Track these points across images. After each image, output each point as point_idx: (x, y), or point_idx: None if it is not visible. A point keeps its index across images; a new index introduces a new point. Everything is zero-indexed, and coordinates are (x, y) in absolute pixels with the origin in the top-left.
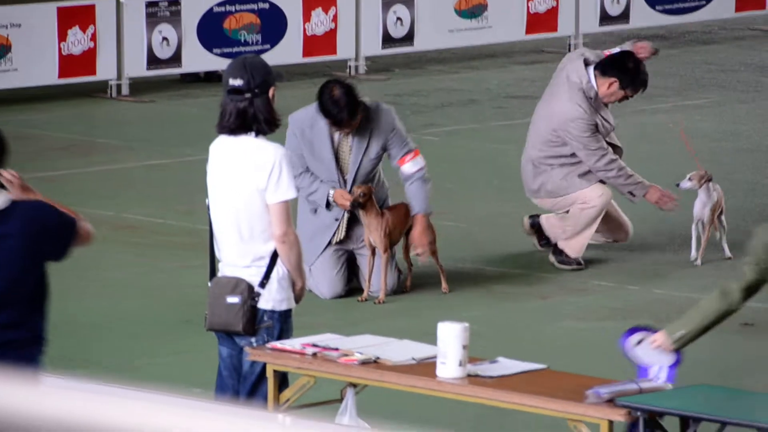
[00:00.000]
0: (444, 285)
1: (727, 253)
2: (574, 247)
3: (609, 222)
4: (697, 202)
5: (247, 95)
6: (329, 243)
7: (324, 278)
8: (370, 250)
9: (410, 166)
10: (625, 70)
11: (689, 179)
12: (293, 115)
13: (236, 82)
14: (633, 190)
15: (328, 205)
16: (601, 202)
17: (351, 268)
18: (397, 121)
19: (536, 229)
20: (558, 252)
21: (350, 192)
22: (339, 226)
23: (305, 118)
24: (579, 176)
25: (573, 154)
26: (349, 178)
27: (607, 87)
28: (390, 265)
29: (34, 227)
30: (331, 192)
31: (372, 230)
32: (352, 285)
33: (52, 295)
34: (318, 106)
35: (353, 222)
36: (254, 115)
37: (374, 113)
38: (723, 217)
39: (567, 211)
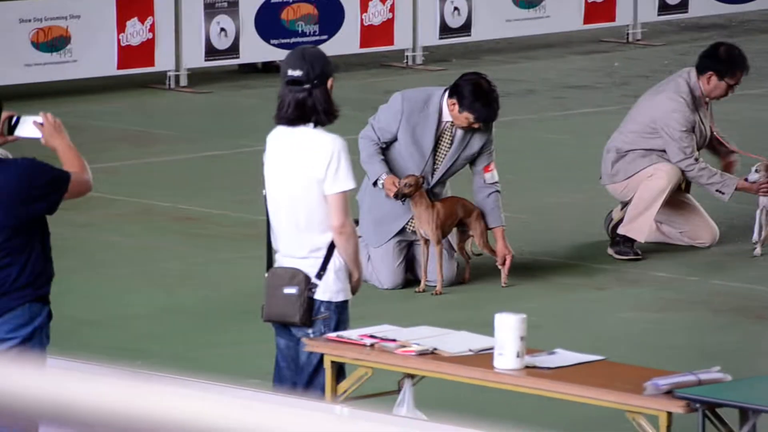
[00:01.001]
0: (504, 278)
1: None
2: (637, 230)
3: (693, 222)
4: (762, 198)
5: (306, 86)
6: (404, 228)
7: (385, 268)
8: (423, 241)
9: (493, 175)
10: (718, 59)
11: (756, 171)
12: (407, 93)
13: (295, 73)
14: (720, 188)
15: (374, 185)
16: (670, 176)
17: (409, 259)
18: (494, 131)
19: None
20: (616, 243)
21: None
22: (413, 215)
23: (418, 100)
24: (656, 152)
25: (663, 150)
26: (439, 171)
27: (707, 82)
28: (446, 257)
29: (21, 184)
30: (384, 175)
31: (422, 222)
32: (410, 276)
33: (109, 284)
34: (466, 99)
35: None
36: (313, 106)
37: None
38: None
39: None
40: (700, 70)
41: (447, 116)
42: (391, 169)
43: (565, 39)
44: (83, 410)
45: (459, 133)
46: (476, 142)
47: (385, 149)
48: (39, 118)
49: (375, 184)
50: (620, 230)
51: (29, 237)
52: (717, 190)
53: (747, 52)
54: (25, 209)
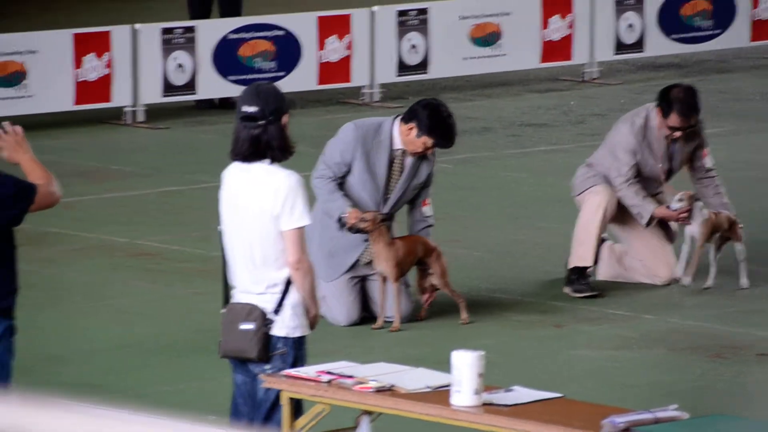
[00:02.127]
0: (464, 315)
1: (744, 282)
2: (581, 256)
3: (655, 254)
4: (687, 226)
5: (261, 122)
6: (357, 261)
7: (339, 305)
8: (381, 278)
9: (429, 209)
10: (665, 97)
11: (679, 200)
12: (357, 122)
13: (250, 109)
14: (640, 211)
15: (339, 221)
16: (601, 198)
17: (363, 295)
18: (435, 162)
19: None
20: (571, 282)
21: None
22: (367, 246)
23: (371, 126)
24: (601, 178)
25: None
26: (391, 200)
27: (656, 116)
28: (403, 293)
29: None
30: (347, 209)
31: (381, 259)
32: (364, 313)
33: (66, 320)
34: (424, 123)
35: (366, 252)
36: (268, 143)
37: None
38: (739, 246)
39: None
40: (657, 103)
41: (398, 144)
42: None
43: (522, 77)
44: None
45: (408, 161)
46: (423, 171)
47: (340, 184)
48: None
49: (340, 220)
50: (569, 264)
51: None
52: (637, 213)
53: (702, 92)
54: None
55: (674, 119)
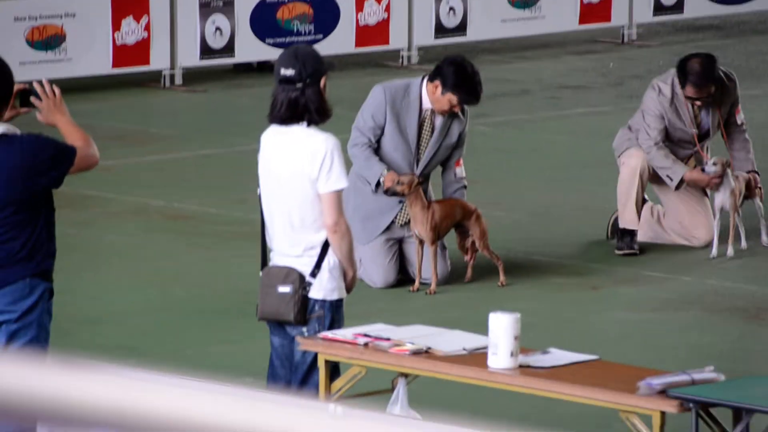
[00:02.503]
0: (502, 278)
1: (765, 240)
2: (627, 219)
3: (694, 216)
4: (717, 193)
5: (299, 85)
6: (392, 222)
7: (376, 267)
8: (417, 241)
9: (462, 170)
10: (681, 68)
11: (714, 164)
12: (386, 84)
13: (288, 72)
14: (669, 174)
15: (377, 185)
16: (635, 163)
17: (401, 257)
18: (468, 122)
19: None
20: (620, 237)
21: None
22: (402, 208)
23: (399, 88)
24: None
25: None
26: (423, 161)
27: (681, 88)
28: (440, 256)
29: (24, 159)
30: (384, 172)
31: (417, 222)
32: (401, 276)
33: (103, 283)
34: (450, 80)
35: (402, 213)
36: (305, 105)
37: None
38: (758, 200)
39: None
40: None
41: (427, 103)
42: None
43: (561, 39)
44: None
45: (439, 121)
46: (455, 130)
47: (376, 150)
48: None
49: (378, 184)
50: (619, 224)
51: (33, 212)
52: (667, 175)
53: (742, 54)
54: (29, 184)
55: (689, 90)
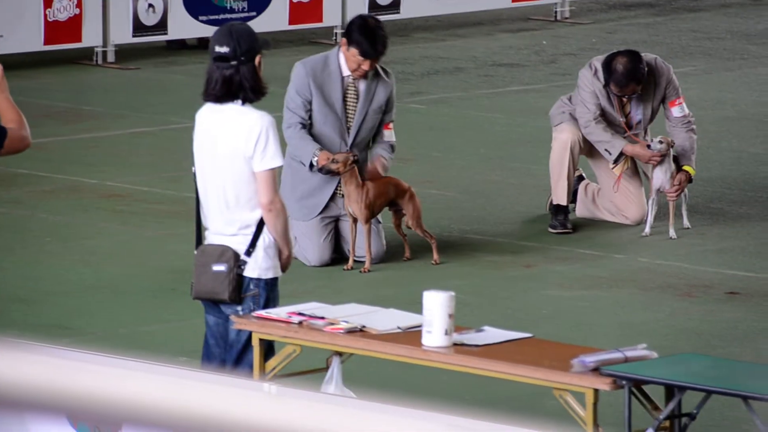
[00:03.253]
0: (435, 256)
1: (686, 222)
2: (558, 195)
3: (626, 195)
4: (657, 171)
5: (233, 63)
6: (331, 199)
7: (311, 245)
8: (351, 219)
9: (391, 134)
10: (607, 67)
11: (660, 141)
12: (306, 59)
13: (222, 50)
14: (608, 147)
15: (311, 166)
16: (564, 139)
17: (336, 236)
18: (395, 86)
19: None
20: (553, 215)
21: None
22: (340, 181)
23: (318, 61)
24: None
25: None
26: (353, 126)
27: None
28: (374, 234)
29: None
30: (317, 152)
31: (352, 201)
32: (336, 254)
33: (35, 262)
34: (354, 34)
35: (340, 188)
36: (240, 83)
37: (380, 70)
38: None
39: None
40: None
41: (346, 71)
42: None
43: (494, 17)
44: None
45: (362, 86)
46: (381, 94)
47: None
48: None
49: (311, 165)
50: (552, 200)
51: None
52: (605, 149)
53: (674, 31)
54: None
55: (613, 88)
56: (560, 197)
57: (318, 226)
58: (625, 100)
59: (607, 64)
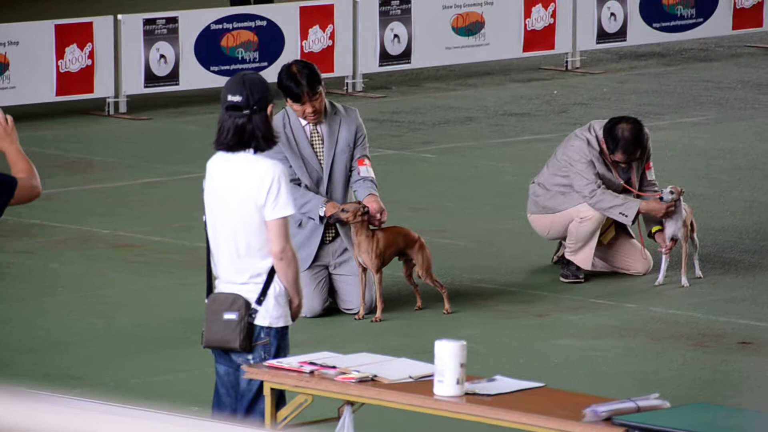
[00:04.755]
0: (446, 305)
1: (698, 272)
2: (581, 260)
3: (626, 255)
4: (669, 220)
5: (246, 112)
6: (322, 242)
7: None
8: (361, 268)
9: (368, 170)
10: (611, 134)
11: (671, 192)
12: None
13: (235, 99)
14: (623, 210)
15: (321, 218)
16: (598, 216)
17: (329, 286)
18: (361, 121)
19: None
20: (564, 265)
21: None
22: (326, 225)
23: (278, 120)
24: (576, 193)
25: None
26: (325, 169)
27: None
28: (380, 284)
29: None
30: (324, 204)
31: (362, 251)
32: (331, 303)
33: (47, 311)
34: (281, 85)
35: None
36: (252, 132)
37: (341, 109)
38: (695, 235)
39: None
40: (603, 136)
41: (303, 120)
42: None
43: (505, 66)
44: None
45: (324, 129)
46: (344, 131)
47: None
48: None
49: (321, 218)
50: (567, 256)
51: None
52: (620, 213)
53: (685, 81)
54: None
55: (619, 156)
56: (582, 261)
57: (307, 276)
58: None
59: (611, 132)
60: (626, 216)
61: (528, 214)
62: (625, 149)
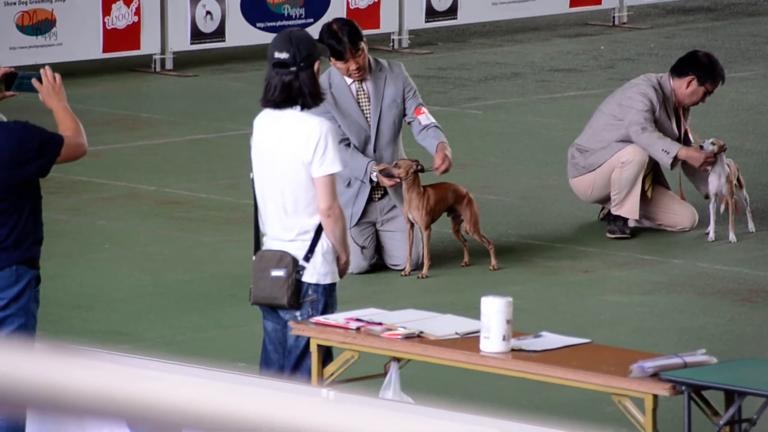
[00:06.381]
0: (493, 262)
1: (751, 227)
2: (628, 210)
3: (670, 211)
4: (712, 176)
5: (293, 69)
6: (369, 200)
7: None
8: (409, 224)
9: (426, 117)
10: (701, 65)
11: (712, 143)
12: None
13: (282, 56)
14: (666, 147)
15: (370, 180)
16: (639, 158)
17: (377, 244)
18: (407, 74)
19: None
20: (611, 220)
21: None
22: (373, 188)
23: (323, 80)
24: (615, 142)
25: (621, 141)
26: (372, 126)
27: (686, 86)
28: (421, 239)
29: (11, 146)
30: (374, 166)
31: (413, 207)
32: (377, 260)
33: (94, 268)
34: (325, 40)
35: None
36: (300, 89)
37: (386, 65)
38: (744, 191)
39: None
40: (679, 73)
41: (347, 79)
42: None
43: (551, 22)
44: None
45: (370, 86)
46: (390, 87)
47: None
48: (39, 75)
49: (371, 180)
50: (613, 211)
51: (19, 200)
52: (663, 150)
53: (733, 36)
54: (15, 172)
55: (711, 85)
56: (628, 211)
57: (355, 233)
58: (680, 114)
59: (695, 63)
60: (668, 153)
61: (569, 179)
62: (722, 73)
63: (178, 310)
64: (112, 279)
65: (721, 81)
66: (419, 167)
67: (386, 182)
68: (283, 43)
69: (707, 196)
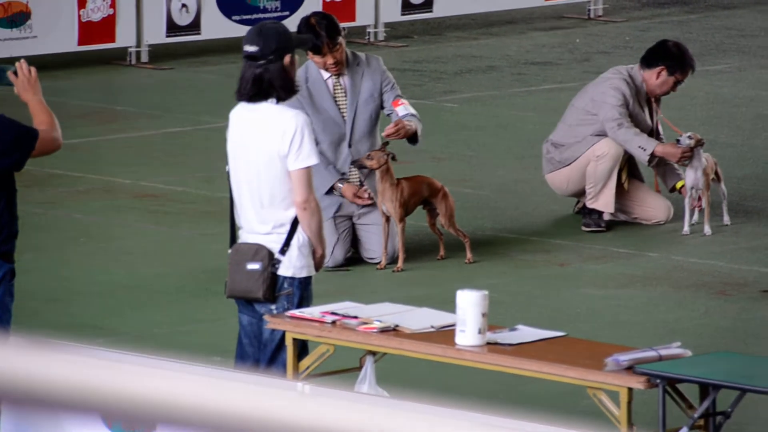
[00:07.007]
0: (469, 255)
1: (726, 219)
2: (603, 204)
3: (645, 204)
4: (689, 170)
5: (262, 62)
6: (339, 205)
7: None
8: (384, 218)
9: (404, 108)
10: (670, 55)
11: (689, 137)
12: None
13: (251, 49)
14: (642, 144)
15: (330, 191)
16: (614, 151)
17: (353, 237)
18: (385, 68)
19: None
20: (586, 214)
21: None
22: (350, 176)
23: (300, 73)
24: (590, 136)
25: (595, 135)
26: (348, 121)
27: (656, 77)
28: (396, 232)
29: None
30: (339, 185)
31: (386, 199)
32: (353, 253)
33: (69, 262)
34: (303, 31)
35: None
36: (270, 82)
37: (364, 59)
38: (722, 185)
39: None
40: (650, 63)
41: (324, 74)
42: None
43: (527, 15)
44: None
45: (347, 81)
46: (367, 81)
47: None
48: (15, 68)
49: (331, 190)
50: (589, 204)
51: None
52: (639, 146)
53: (708, 29)
54: None
55: (687, 72)
56: (603, 204)
57: (330, 227)
58: (653, 104)
59: (665, 53)
60: (644, 150)
61: (545, 175)
62: (692, 62)
63: (154, 304)
64: (87, 272)
65: (691, 70)
66: (391, 156)
67: (359, 201)
68: (253, 36)
69: (672, 189)
